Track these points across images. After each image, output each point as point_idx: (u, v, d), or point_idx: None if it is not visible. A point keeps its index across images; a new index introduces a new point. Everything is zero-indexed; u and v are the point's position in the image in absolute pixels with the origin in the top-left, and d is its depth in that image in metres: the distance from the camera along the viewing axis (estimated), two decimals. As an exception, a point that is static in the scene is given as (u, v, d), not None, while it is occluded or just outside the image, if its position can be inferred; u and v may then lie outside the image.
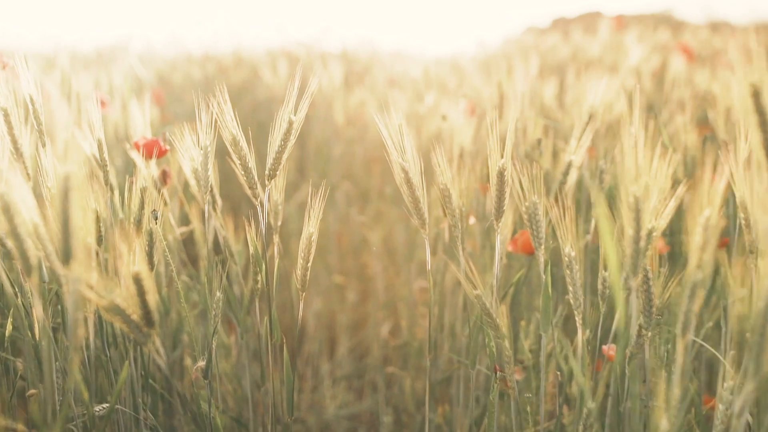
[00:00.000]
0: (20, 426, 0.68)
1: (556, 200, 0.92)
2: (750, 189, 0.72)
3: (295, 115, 0.77)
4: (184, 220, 1.18)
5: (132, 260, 0.59)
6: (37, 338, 0.68)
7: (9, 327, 0.82)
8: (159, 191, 0.97)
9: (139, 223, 0.84)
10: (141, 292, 0.56)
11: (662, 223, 0.64)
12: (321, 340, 1.69)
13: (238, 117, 0.79)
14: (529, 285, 1.16)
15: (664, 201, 0.64)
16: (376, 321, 1.64)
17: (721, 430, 0.63)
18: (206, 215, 0.88)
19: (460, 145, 1.09)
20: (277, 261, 0.82)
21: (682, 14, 5.57)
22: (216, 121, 0.79)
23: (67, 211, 0.53)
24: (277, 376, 0.89)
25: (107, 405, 0.75)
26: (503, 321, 0.67)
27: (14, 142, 0.77)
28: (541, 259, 0.80)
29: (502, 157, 0.78)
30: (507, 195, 0.79)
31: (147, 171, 0.92)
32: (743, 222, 0.72)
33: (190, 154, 0.83)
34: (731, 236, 0.95)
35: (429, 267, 0.81)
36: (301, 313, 0.80)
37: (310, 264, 0.78)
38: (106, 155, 0.88)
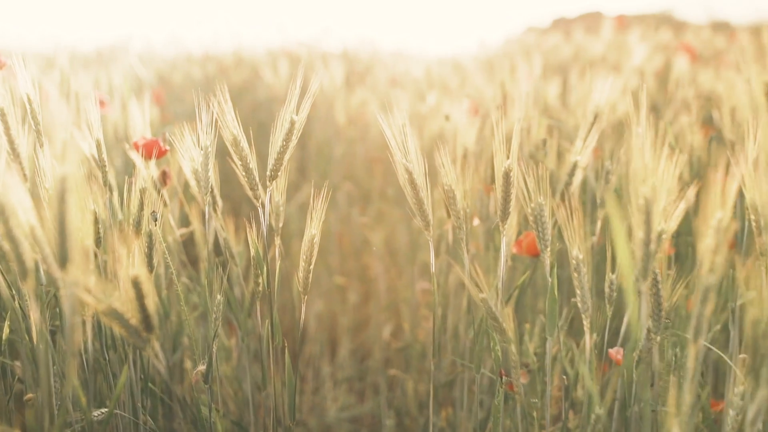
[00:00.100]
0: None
1: (562, 201, 0.91)
2: (760, 190, 0.71)
3: (296, 115, 0.76)
4: (184, 221, 1.17)
5: (131, 263, 0.58)
6: (35, 342, 0.66)
7: (6, 330, 0.80)
8: (159, 192, 0.96)
9: (138, 224, 0.83)
10: (140, 296, 0.55)
11: (672, 225, 0.63)
12: (322, 341, 1.68)
13: (239, 117, 0.78)
14: (534, 287, 1.14)
15: (673, 203, 0.63)
16: (378, 322, 1.63)
17: (732, 437, 0.62)
18: (207, 216, 0.87)
19: (463, 146, 1.08)
20: (278, 263, 0.81)
21: (682, 14, 5.56)
22: (216, 121, 0.78)
23: (64, 214, 0.51)
24: (279, 379, 0.87)
25: (106, 410, 0.73)
26: (509, 325, 0.66)
27: (11, 142, 0.76)
28: (547, 262, 0.79)
29: (507, 157, 0.76)
30: (513, 196, 0.77)
31: (146, 171, 0.91)
32: (753, 224, 0.70)
33: (191, 155, 0.82)
34: (739, 238, 0.94)
35: (433, 269, 0.79)
36: (303, 316, 0.79)
37: (312, 266, 0.77)
38: (104, 155, 0.86)
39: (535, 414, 0.81)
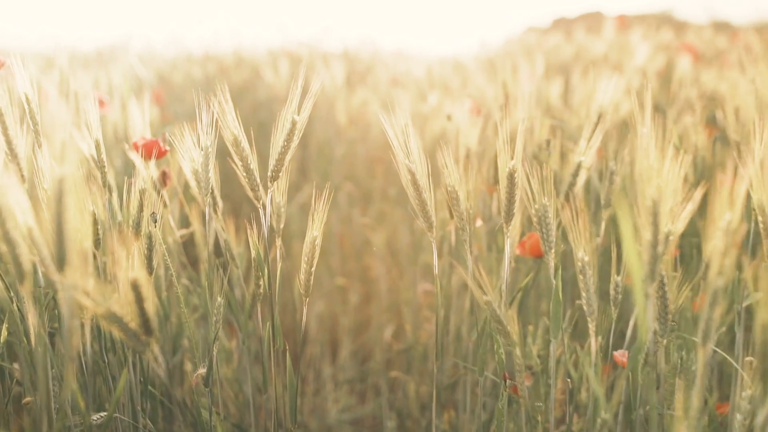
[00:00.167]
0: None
1: (567, 202, 0.90)
2: (767, 191, 0.70)
3: (298, 116, 0.75)
4: (184, 222, 1.16)
5: (130, 266, 0.57)
6: (33, 345, 0.65)
7: (4, 333, 0.80)
8: (158, 193, 0.95)
9: (137, 226, 0.82)
10: (139, 300, 0.54)
11: (679, 226, 0.62)
12: (323, 342, 1.67)
13: (239, 117, 0.77)
14: (536, 288, 1.13)
15: (680, 204, 0.62)
16: (379, 324, 1.62)
17: (740, 441, 0.61)
18: (207, 217, 0.86)
19: (466, 146, 1.07)
20: (279, 265, 0.80)
21: (682, 14, 5.56)
22: (217, 121, 0.77)
23: (62, 216, 0.50)
24: (280, 381, 0.86)
25: (105, 413, 0.72)
26: (514, 328, 0.65)
27: (9, 142, 0.75)
28: (551, 264, 0.78)
29: (512, 158, 0.75)
30: (517, 197, 0.77)
31: (146, 172, 0.90)
32: (761, 225, 0.69)
33: (191, 155, 0.81)
34: (744, 239, 0.93)
35: (436, 271, 0.78)
36: (305, 319, 0.78)
37: (313, 268, 0.76)
38: (104, 156, 0.85)
39: (539, 417, 0.80)
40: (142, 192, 0.83)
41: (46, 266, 0.54)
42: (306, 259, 0.76)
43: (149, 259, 0.81)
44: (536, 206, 0.77)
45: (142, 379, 0.89)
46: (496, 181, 1.13)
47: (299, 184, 2.07)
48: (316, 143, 2.08)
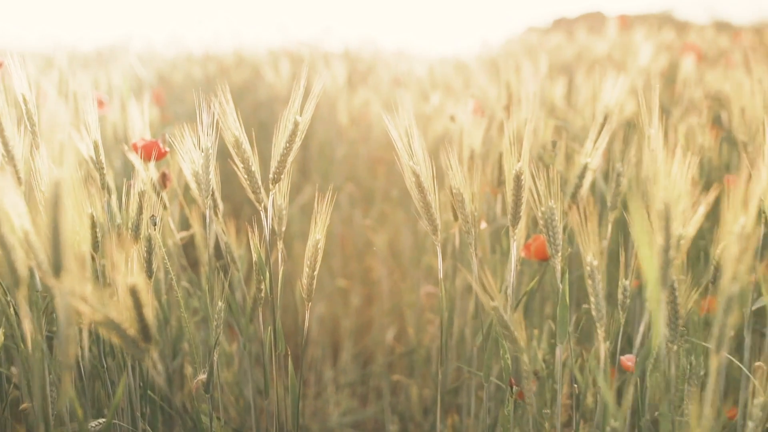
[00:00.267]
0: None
1: (574, 204, 0.88)
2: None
3: (300, 116, 0.73)
4: (184, 223, 1.15)
5: (129, 270, 0.56)
6: (30, 351, 0.64)
7: (1, 337, 0.78)
8: (158, 195, 0.94)
9: (137, 228, 0.81)
10: (138, 305, 0.53)
11: (690, 230, 0.60)
12: (324, 345, 1.65)
13: (240, 117, 0.75)
14: (541, 291, 1.12)
15: (692, 207, 0.60)
16: (381, 326, 1.60)
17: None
18: (208, 220, 0.85)
19: (470, 147, 1.05)
20: (281, 269, 0.78)
21: (682, 14, 5.55)
22: (218, 122, 0.75)
23: (59, 220, 0.49)
24: (281, 384, 0.85)
25: (103, 420, 0.71)
26: (521, 334, 0.64)
27: (5, 144, 0.73)
28: (558, 267, 0.77)
29: (518, 160, 0.74)
30: (524, 200, 0.75)
31: (146, 174, 0.89)
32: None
33: (191, 157, 0.79)
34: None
35: (441, 275, 0.77)
36: (307, 324, 0.77)
37: (316, 272, 0.75)
38: (102, 157, 0.84)
39: (546, 424, 0.78)
40: (142, 194, 0.82)
41: (43, 271, 0.53)
42: (308, 263, 0.74)
43: (149, 262, 0.80)
44: (543, 209, 0.76)
45: (141, 384, 0.88)
46: (500, 183, 1.11)
47: (300, 185, 2.06)
48: (317, 144, 2.06)
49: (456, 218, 0.94)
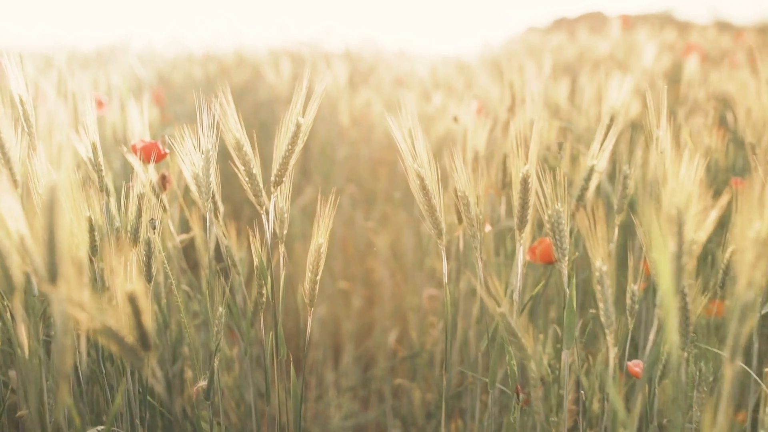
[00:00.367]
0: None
1: (581, 208, 0.87)
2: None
3: (303, 118, 0.72)
4: (184, 226, 1.13)
5: (127, 276, 0.54)
6: (26, 357, 0.63)
7: (-2, 342, 0.77)
8: (158, 197, 0.92)
9: (136, 232, 0.79)
10: (136, 312, 0.51)
11: (702, 235, 0.59)
12: (325, 347, 1.64)
13: (240, 118, 0.74)
14: (545, 294, 1.11)
15: (704, 211, 0.59)
16: (383, 329, 1.59)
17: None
18: (208, 223, 0.83)
19: (474, 149, 1.04)
20: (283, 273, 0.77)
21: (682, 14, 5.54)
22: (218, 124, 0.74)
23: (54, 225, 0.47)
24: (282, 387, 0.84)
25: (102, 427, 0.70)
26: (529, 342, 0.62)
27: (1, 146, 0.72)
28: (565, 272, 0.75)
29: (525, 162, 0.73)
30: (531, 203, 0.74)
31: (145, 176, 0.87)
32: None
33: (191, 159, 0.78)
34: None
35: (446, 280, 0.76)
36: (309, 330, 0.75)
37: (318, 277, 0.73)
38: (101, 159, 0.83)
39: (553, 431, 0.77)
40: (141, 197, 0.80)
41: (39, 277, 0.52)
42: (311, 267, 0.73)
43: (148, 266, 0.79)
44: (549, 212, 0.75)
45: (140, 390, 0.86)
46: (505, 185, 1.10)
47: (301, 186, 2.05)
48: (318, 144, 2.05)
49: (460, 221, 0.93)
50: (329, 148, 1.98)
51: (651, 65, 2.02)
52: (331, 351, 1.67)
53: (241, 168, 0.73)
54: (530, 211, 0.75)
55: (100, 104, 1.36)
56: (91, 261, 0.80)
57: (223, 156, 0.90)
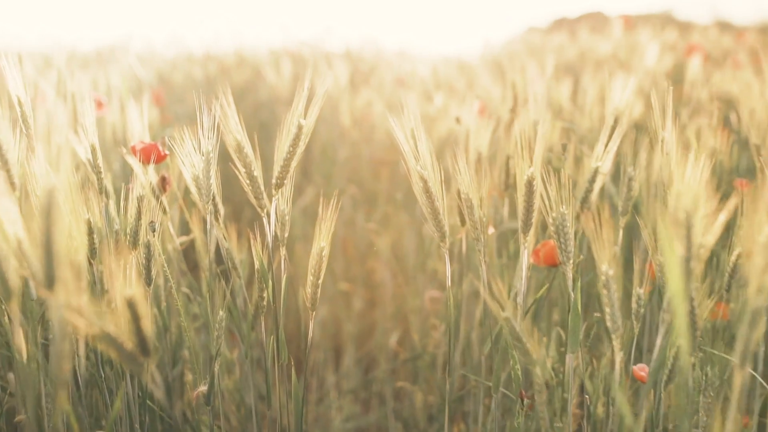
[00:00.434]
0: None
1: (582, 210, 0.86)
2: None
3: (304, 120, 0.71)
4: (184, 227, 1.12)
5: (126, 281, 0.53)
6: (24, 362, 0.62)
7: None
8: (157, 199, 0.91)
9: (135, 235, 0.78)
10: (135, 318, 0.50)
11: (710, 239, 0.58)
12: (326, 348, 1.63)
13: (241, 119, 0.73)
14: (549, 297, 1.10)
15: (712, 215, 0.58)
16: (385, 331, 1.58)
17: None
18: (208, 225, 0.82)
19: (477, 150, 1.03)
20: (284, 277, 0.76)
21: (682, 14, 5.54)
22: (219, 125, 0.73)
23: (52, 229, 0.47)
24: (283, 390, 0.83)
25: (101, 433, 0.69)
26: (534, 347, 0.62)
27: (-1, 147, 0.71)
28: (569, 275, 0.74)
29: (530, 164, 0.72)
30: (536, 206, 0.73)
31: (145, 178, 0.86)
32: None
33: (191, 161, 0.77)
34: None
35: (449, 283, 0.75)
36: (311, 335, 0.74)
37: (320, 281, 0.72)
38: (100, 161, 0.82)
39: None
40: (140, 199, 0.79)
41: (37, 282, 0.51)
42: (312, 271, 0.72)
43: (147, 269, 0.78)
44: (554, 215, 0.74)
45: (140, 394, 0.86)
46: (508, 186, 1.09)
47: (302, 187, 2.04)
48: (319, 145, 2.04)
49: (463, 223, 0.92)
50: (330, 149, 1.97)
51: (653, 65, 2.02)
52: (332, 353, 1.66)
53: (242, 170, 0.72)
54: (535, 214, 0.74)
55: (99, 105, 1.35)
56: (90, 264, 0.79)
57: (224, 156, 0.89)
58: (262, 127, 2.41)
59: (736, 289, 0.89)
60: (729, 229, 0.78)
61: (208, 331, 0.85)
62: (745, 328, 0.50)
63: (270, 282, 0.77)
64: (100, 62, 2.84)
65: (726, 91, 1.70)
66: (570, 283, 0.74)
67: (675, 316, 0.49)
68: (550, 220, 0.74)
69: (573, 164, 1.04)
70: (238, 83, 2.79)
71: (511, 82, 1.33)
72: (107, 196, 0.86)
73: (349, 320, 1.66)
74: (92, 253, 0.77)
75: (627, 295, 1.05)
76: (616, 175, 1.28)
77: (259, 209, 0.74)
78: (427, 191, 0.71)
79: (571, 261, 0.74)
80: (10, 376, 0.88)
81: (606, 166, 0.88)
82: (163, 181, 0.96)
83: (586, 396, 0.81)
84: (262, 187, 0.73)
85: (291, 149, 0.71)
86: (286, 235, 0.80)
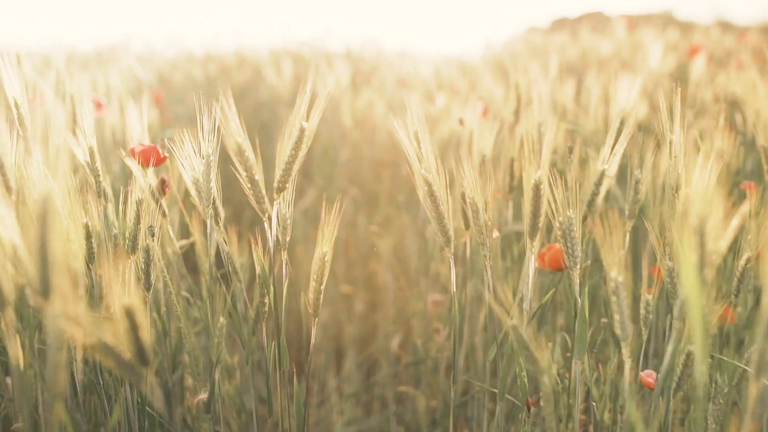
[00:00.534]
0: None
1: (588, 214, 0.85)
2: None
3: (306, 122, 0.69)
4: (184, 229, 1.11)
5: (125, 287, 0.52)
6: (21, 369, 0.60)
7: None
8: (157, 201, 0.90)
9: (134, 239, 0.77)
10: (134, 328, 0.49)
11: (723, 244, 0.56)
12: (327, 351, 1.62)
13: (242, 120, 0.71)
14: (553, 300, 1.08)
15: (725, 220, 0.56)
16: (386, 334, 1.56)
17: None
18: (209, 229, 0.81)
19: (481, 152, 1.01)
20: (286, 282, 0.75)
21: (682, 14, 5.54)
22: (219, 127, 0.72)
23: (46, 238, 0.45)
24: (285, 393, 0.81)
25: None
26: (542, 354, 0.60)
27: (-6, 150, 0.70)
28: (576, 280, 0.73)
29: (537, 168, 0.70)
30: (543, 210, 0.71)
31: (144, 181, 0.85)
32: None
33: (191, 164, 0.75)
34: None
35: (453, 288, 0.73)
36: (313, 341, 0.73)
37: (323, 286, 0.71)
38: (99, 164, 0.80)
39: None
40: (139, 203, 0.78)
41: (33, 290, 0.49)
42: (315, 276, 0.70)
43: (147, 274, 0.76)
44: (560, 219, 0.72)
45: (139, 399, 0.84)
46: (512, 189, 1.08)
47: (303, 188, 2.02)
48: (320, 146, 2.02)
49: (467, 226, 0.90)
50: (331, 150, 1.96)
51: (656, 66, 2.00)
52: (333, 356, 1.65)
53: (243, 174, 0.71)
54: (542, 219, 0.72)
55: (98, 106, 1.34)
56: (88, 268, 0.78)
57: (224, 156, 0.87)
58: (262, 127, 2.40)
59: (744, 293, 0.87)
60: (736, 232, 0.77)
61: (208, 335, 0.83)
62: (761, 339, 0.49)
63: (271, 287, 0.76)
64: (100, 62, 2.83)
65: (731, 92, 1.68)
66: (577, 288, 0.73)
67: (690, 326, 0.48)
68: (557, 225, 0.73)
69: (578, 167, 1.02)
70: (238, 83, 2.77)
71: (515, 83, 1.32)
72: (106, 200, 0.84)
73: (351, 323, 1.64)
74: (90, 257, 0.76)
75: (632, 298, 1.04)
76: (620, 177, 1.26)
77: (260, 213, 0.72)
78: (431, 195, 0.70)
79: (578, 266, 0.73)
80: (8, 380, 0.87)
81: (613, 168, 0.87)
82: (163, 184, 0.94)
83: (593, 403, 0.79)
84: (264, 192, 0.71)
85: (293, 152, 0.70)
86: (288, 239, 0.78)
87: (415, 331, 1.38)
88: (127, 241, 0.78)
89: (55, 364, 0.45)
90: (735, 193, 1.15)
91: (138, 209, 0.78)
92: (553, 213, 0.73)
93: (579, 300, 0.72)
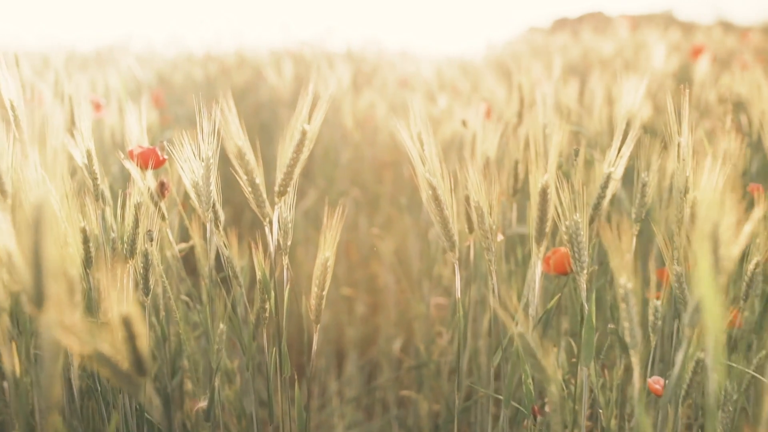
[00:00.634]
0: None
1: (593, 217, 0.83)
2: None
3: (309, 125, 0.68)
4: (183, 232, 1.10)
5: (123, 294, 0.50)
6: (18, 377, 0.59)
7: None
8: (156, 205, 0.89)
9: (132, 243, 0.75)
10: (131, 337, 0.48)
11: (736, 250, 0.55)
12: (328, 354, 1.60)
13: (242, 121, 0.70)
14: (558, 304, 1.07)
15: (737, 225, 0.55)
16: (388, 337, 1.55)
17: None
18: (208, 233, 0.80)
19: (485, 154, 1.00)
20: (287, 288, 0.73)
21: (682, 14, 5.53)
22: (219, 130, 0.70)
23: (40, 246, 0.44)
24: (285, 397, 0.80)
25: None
26: (548, 362, 0.59)
27: (-11, 153, 0.68)
28: (583, 286, 0.72)
29: (544, 172, 0.69)
30: (550, 215, 0.70)
31: (143, 183, 0.84)
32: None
33: (191, 166, 0.74)
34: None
35: (458, 294, 0.72)
36: (315, 347, 0.71)
37: (325, 292, 0.69)
38: (96, 167, 0.79)
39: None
40: (138, 206, 0.76)
41: (28, 298, 0.48)
42: (317, 282, 0.69)
43: (145, 279, 0.75)
44: (567, 223, 0.71)
45: (138, 405, 0.83)
46: (516, 191, 1.06)
47: (304, 189, 2.01)
48: (321, 147, 2.01)
49: (471, 229, 0.89)
50: (332, 151, 1.95)
51: (660, 66, 1.99)
52: (334, 359, 1.63)
53: (244, 177, 0.69)
54: (549, 224, 0.71)
55: (98, 107, 1.33)
56: (86, 273, 0.77)
57: (224, 157, 0.86)
58: (263, 128, 2.39)
59: (752, 297, 0.86)
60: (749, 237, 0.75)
61: (208, 340, 0.82)
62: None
63: (272, 293, 0.74)
64: (99, 63, 2.82)
65: (735, 93, 1.67)
66: (584, 294, 0.72)
67: (704, 334, 0.47)
68: (563, 229, 0.71)
69: (583, 169, 1.01)
70: (238, 84, 2.76)
71: (517, 84, 1.30)
72: (104, 203, 0.83)
73: (352, 326, 1.63)
74: (88, 262, 0.74)
75: (640, 303, 1.02)
76: (626, 179, 1.25)
77: (261, 217, 0.71)
78: (436, 198, 0.68)
79: (585, 270, 0.72)
80: (5, 384, 0.86)
81: (619, 171, 0.85)
82: (162, 187, 0.93)
83: (600, 410, 0.78)
84: (265, 195, 0.70)
85: (294, 155, 0.68)
86: (289, 242, 0.77)
87: (417, 335, 1.36)
88: (125, 245, 0.76)
89: (50, 375, 0.43)
90: (743, 196, 1.14)
91: (137, 212, 0.77)
92: (559, 217, 0.72)
93: (586, 306, 0.71)
